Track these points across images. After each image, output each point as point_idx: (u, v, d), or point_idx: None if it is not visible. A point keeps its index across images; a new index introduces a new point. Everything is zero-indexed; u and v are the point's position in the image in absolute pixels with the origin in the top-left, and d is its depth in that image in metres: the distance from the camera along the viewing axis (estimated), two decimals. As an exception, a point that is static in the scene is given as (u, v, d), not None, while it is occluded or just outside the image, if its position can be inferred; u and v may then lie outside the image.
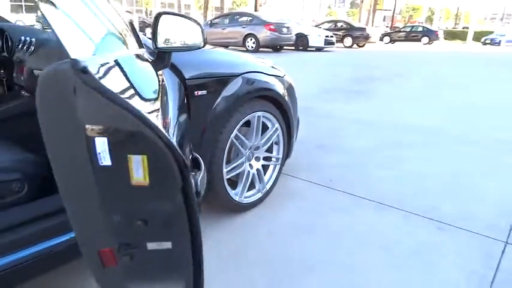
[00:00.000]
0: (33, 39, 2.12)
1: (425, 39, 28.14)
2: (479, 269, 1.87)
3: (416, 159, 3.32)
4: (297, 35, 15.44)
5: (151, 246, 0.79)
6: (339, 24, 21.06)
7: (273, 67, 2.52)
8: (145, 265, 0.81)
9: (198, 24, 1.52)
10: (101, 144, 0.67)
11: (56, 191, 1.47)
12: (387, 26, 46.11)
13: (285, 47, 15.61)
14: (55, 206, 1.53)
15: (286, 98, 2.42)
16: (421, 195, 2.65)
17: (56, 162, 0.72)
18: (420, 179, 2.91)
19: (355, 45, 20.30)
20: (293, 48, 16.16)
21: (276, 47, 14.99)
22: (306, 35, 15.90)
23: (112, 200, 0.73)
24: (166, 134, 0.69)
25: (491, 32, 36.30)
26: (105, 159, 0.68)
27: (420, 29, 30.01)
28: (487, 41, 32.04)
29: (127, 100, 0.68)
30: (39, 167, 1.64)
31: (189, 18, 1.51)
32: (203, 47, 1.41)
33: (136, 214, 0.75)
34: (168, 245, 0.78)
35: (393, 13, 44.21)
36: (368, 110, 5.24)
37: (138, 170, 0.70)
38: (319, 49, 16.52)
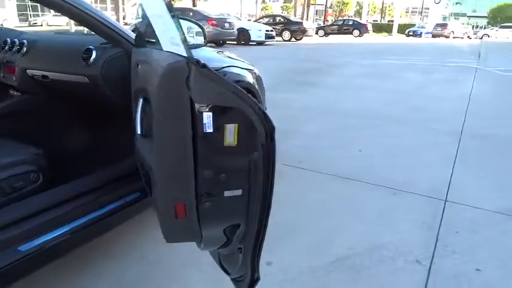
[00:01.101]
0: (25, 41, 2.22)
1: (356, 32, 29.90)
2: (428, 220, 2.35)
3: (361, 139, 3.84)
4: (238, 29, 15.77)
5: (227, 193, 1.06)
6: (277, 19, 21.81)
7: (243, 61, 2.83)
8: (219, 210, 1.08)
9: (201, 26, 1.79)
10: (207, 118, 0.95)
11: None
12: (318, 20, 48.14)
13: (227, 42, 15.86)
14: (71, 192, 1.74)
15: (256, 87, 2.75)
16: (372, 168, 3.13)
17: (163, 132, 0.98)
18: (368, 156, 3.41)
19: (293, 39, 21.10)
20: (235, 43, 16.46)
21: (218, 42, 15.20)
22: (248, 30, 16.30)
23: (208, 158, 1.01)
24: (259, 106, 0.98)
25: (414, 25, 39.58)
26: (209, 128, 0.96)
27: (351, 22, 31.94)
28: (410, 33, 34.88)
29: (231, 84, 0.96)
30: (48, 159, 1.82)
31: (193, 21, 1.77)
32: (205, 45, 1.68)
33: (222, 168, 1.03)
34: (239, 192, 1.07)
35: (325, 7, 46.21)
36: (315, 99, 5.76)
37: (231, 134, 0.98)
38: (260, 43, 16.98)
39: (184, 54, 0.94)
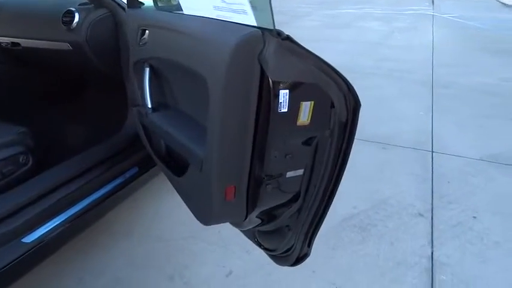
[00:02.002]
0: None
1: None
2: (421, 173, 2.43)
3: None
4: None
5: (289, 174, 0.99)
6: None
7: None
8: (277, 191, 1.01)
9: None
10: (283, 96, 0.84)
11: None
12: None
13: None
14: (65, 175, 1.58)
15: None
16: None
17: (225, 114, 0.88)
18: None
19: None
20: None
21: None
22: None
23: (278, 139, 0.92)
24: (348, 82, 0.88)
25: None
26: (284, 107, 0.86)
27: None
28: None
29: (319, 58, 0.85)
30: (35, 139, 1.63)
31: None
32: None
33: (290, 149, 0.95)
34: (301, 171, 1.00)
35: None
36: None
37: (305, 113, 0.89)
38: None
39: (254, 24, 0.82)
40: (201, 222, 1.12)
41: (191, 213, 1.25)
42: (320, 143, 0.96)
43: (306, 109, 0.89)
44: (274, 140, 0.91)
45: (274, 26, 0.81)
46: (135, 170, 1.83)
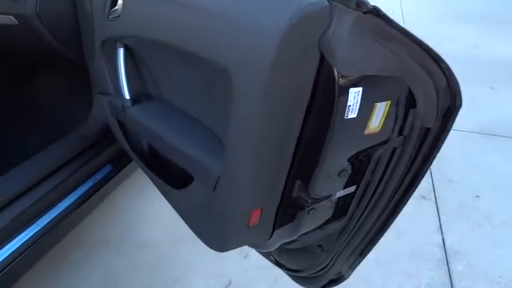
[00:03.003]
0: None
1: None
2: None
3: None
4: None
5: (339, 193, 0.76)
6: None
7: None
8: (319, 213, 0.78)
9: None
10: (354, 96, 0.59)
11: None
12: None
13: None
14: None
15: None
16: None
17: (264, 118, 0.62)
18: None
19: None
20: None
21: None
22: None
23: (339, 153, 0.67)
24: (452, 74, 0.63)
25: None
26: (352, 112, 0.61)
27: None
28: None
29: (416, 40, 0.58)
30: None
31: None
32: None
33: (348, 164, 0.71)
34: (352, 188, 0.78)
35: None
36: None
37: (378, 117, 0.65)
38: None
39: None
40: (211, 248, 0.88)
41: (178, 214, 1.01)
42: (385, 154, 0.73)
43: (379, 112, 0.65)
44: (332, 156, 0.67)
45: None
46: (108, 168, 1.54)
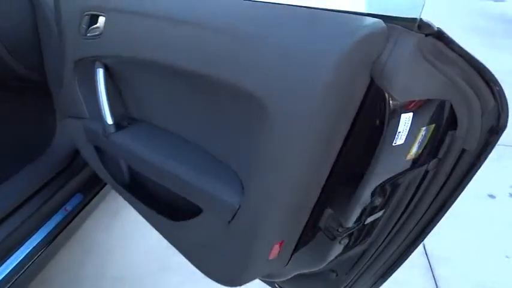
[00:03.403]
0: None
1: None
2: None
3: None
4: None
5: (369, 219, 0.72)
6: None
7: None
8: (345, 240, 0.73)
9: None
10: (405, 122, 0.54)
11: None
12: None
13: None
14: None
15: None
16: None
17: (304, 148, 0.56)
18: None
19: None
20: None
21: None
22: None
23: (377, 180, 0.62)
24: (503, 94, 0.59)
25: None
26: (401, 138, 0.56)
27: None
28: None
29: (472, 61, 0.54)
30: None
31: None
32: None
33: (384, 191, 0.66)
34: (380, 213, 0.72)
35: None
36: None
37: (421, 142, 0.60)
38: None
39: (368, 11, 0.51)
40: (221, 283, 0.81)
41: (157, 239, 0.92)
42: (416, 177, 0.70)
43: (424, 136, 0.62)
44: (372, 183, 0.63)
45: (421, 11, 0.48)
46: (78, 198, 1.41)
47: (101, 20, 0.87)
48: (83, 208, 1.40)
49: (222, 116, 0.74)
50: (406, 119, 0.55)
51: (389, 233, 0.77)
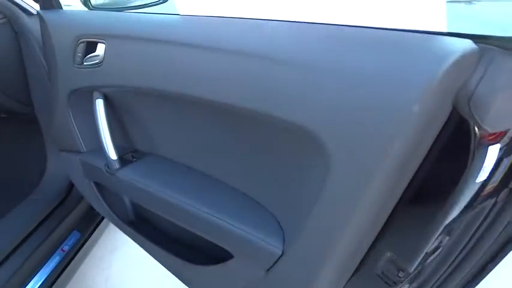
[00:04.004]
0: None
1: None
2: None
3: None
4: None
5: (429, 259, 0.63)
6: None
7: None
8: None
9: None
10: (492, 155, 0.48)
11: None
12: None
13: None
14: None
15: None
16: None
17: (369, 190, 0.48)
18: None
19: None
20: None
21: None
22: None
23: (451, 218, 0.55)
24: None
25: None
26: (485, 173, 0.49)
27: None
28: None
29: None
30: None
31: None
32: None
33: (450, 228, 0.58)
34: (439, 250, 0.65)
35: None
36: None
37: (499, 174, 0.53)
38: None
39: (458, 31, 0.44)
40: None
41: (162, 277, 0.83)
42: (484, 209, 0.63)
43: (502, 168, 0.55)
44: (445, 222, 0.56)
45: None
46: (75, 236, 1.31)
47: (100, 47, 0.79)
48: (81, 247, 1.30)
49: (256, 151, 0.67)
50: (493, 152, 0.48)
51: (443, 273, 0.70)
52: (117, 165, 0.87)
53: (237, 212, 0.69)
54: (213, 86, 0.60)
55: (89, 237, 1.35)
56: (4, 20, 1.07)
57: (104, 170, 0.90)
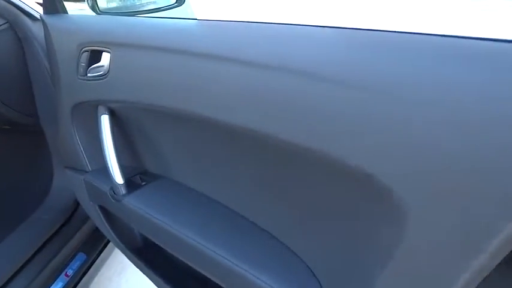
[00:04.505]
0: None
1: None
2: None
3: None
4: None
5: None
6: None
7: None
8: None
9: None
10: None
11: None
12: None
13: None
14: None
15: None
16: None
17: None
18: None
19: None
20: None
21: None
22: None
23: None
24: None
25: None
26: None
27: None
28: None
29: None
30: None
31: None
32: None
33: None
34: None
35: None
36: None
37: None
38: None
39: None
40: None
41: None
42: None
43: None
44: None
45: None
46: (81, 258, 1.21)
47: (105, 56, 0.69)
48: (86, 271, 1.20)
49: (293, 186, 0.55)
50: None
51: None
52: (123, 191, 0.76)
53: (262, 258, 0.57)
54: (240, 109, 0.49)
55: (96, 259, 1.25)
56: (7, 25, 0.98)
57: (109, 195, 0.79)
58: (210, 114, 0.53)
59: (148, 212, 0.72)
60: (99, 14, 0.78)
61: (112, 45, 0.66)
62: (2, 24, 0.98)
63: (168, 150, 0.76)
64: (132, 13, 0.81)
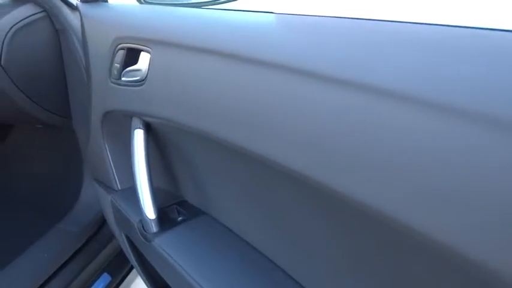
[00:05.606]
0: None
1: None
2: None
3: None
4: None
5: None
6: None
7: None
8: None
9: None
10: None
11: None
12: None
13: None
14: None
15: None
16: None
17: None
18: None
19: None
20: None
21: None
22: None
23: None
24: None
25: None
26: None
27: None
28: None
29: None
30: None
31: None
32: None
33: None
34: None
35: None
36: None
37: None
38: None
39: None
40: None
41: None
42: None
43: None
44: None
45: None
46: (105, 279, 1.07)
47: (144, 58, 0.52)
48: (111, 292, 1.06)
49: (367, 253, 0.36)
50: None
51: None
52: (154, 228, 0.60)
53: None
54: (321, 161, 0.31)
55: (121, 282, 1.11)
56: (43, 13, 0.86)
57: (137, 229, 0.63)
58: (281, 160, 0.35)
59: (177, 261, 0.54)
60: (142, 3, 0.63)
61: (154, 44, 0.50)
62: (38, 13, 0.86)
63: (213, 183, 0.59)
64: (186, 4, 0.65)
